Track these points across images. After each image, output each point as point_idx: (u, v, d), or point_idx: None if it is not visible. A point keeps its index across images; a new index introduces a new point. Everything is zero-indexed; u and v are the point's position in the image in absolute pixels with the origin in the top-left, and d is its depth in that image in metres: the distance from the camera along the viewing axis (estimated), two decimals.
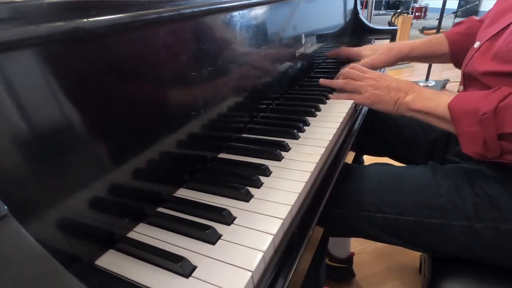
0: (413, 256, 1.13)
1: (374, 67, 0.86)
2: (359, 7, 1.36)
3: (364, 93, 0.66)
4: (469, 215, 0.50)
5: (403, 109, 0.61)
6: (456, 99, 0.52)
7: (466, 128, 0.49)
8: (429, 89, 0.61)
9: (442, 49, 0.83)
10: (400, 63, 0.92)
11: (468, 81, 0.62)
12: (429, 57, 0.87)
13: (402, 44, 0.89)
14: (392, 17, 4.15)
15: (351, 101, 0.70)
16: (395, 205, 0.54)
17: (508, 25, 0.54)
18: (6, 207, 0.22)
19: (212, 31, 0.48)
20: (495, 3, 0.65)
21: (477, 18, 0.81)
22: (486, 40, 0.58)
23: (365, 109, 0.76)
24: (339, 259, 1.04)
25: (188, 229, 0.36)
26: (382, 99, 0.63)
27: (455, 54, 0.82)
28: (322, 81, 0.77)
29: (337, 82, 0.73)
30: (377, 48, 0.89)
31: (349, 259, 1.05)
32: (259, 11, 0.61)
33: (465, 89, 0.65)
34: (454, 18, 3.65)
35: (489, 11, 0.67)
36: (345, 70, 0.73)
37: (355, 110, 0.72)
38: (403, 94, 0.61)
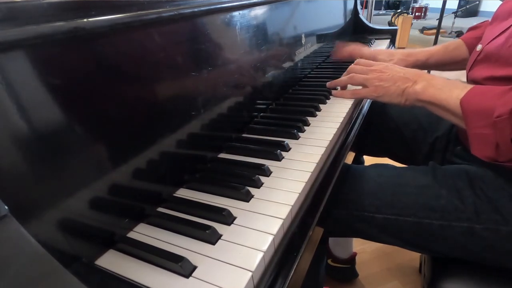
0: (413, 256, 1.13)
1: None
2: (359, 7, 1.37)
3: (370, 86, 0.63)
4: (469, 217, 0.50)
5: (412, 99, 0.58)
6: (469, 95, 0.48)
7: (478, 129, 0.46)
8: (441, 77, 0.57)
9: (461, 54, 0.80)
10: None
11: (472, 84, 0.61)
12: (447, 64, 0.84)
13: (419, 51, 0.86)
14: (392, 17, 4.16)
15: (351, 101, 0.70)
16: (395, 206, 0.54)
17: (508, 28, 0.54)
18: (6, 207, 0.22)
19: (212, 31, 0.48)
20: (501, 4, 0.63)
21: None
22: (487, 44, 0.58)
23: (365, 109, 0.76)
24: (341, 259, 1.04)
25: (188, 229, 0.36)
26: (388, 90, 0.60)
27: None
28: (328, 84, 0.77)
29: (342, 79, 0.72)
30: (394, 54, 0.85)
31: (351, 259, 1.05)
32: (259, 11, 0.61)
33: None
34: (454, 18, 3.66)
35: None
36: (350, 66, 0.71)
37: (355, 110, 0.72)
38: (411, 83, 0.57)
